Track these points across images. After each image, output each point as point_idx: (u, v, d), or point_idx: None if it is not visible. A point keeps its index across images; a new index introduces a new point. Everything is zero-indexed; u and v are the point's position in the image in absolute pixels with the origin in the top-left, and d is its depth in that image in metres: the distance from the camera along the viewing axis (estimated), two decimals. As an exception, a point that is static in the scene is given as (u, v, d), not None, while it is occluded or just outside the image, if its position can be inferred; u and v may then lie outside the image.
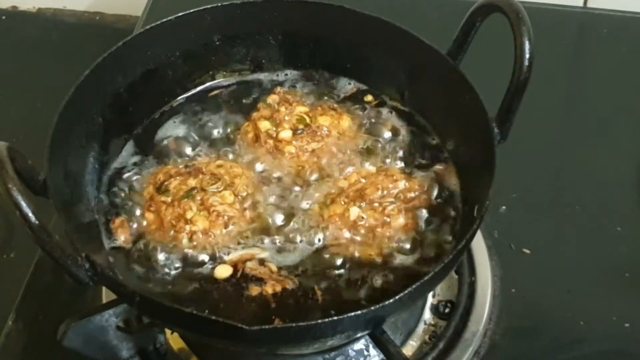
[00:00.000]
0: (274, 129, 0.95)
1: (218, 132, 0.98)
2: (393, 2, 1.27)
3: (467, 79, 0.88)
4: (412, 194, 0.89)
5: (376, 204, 0.87)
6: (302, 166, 0.93)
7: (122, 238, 0.87)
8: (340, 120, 0.96)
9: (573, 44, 1.37)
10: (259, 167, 0.94)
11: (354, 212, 0.87)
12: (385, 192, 0.88)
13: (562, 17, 1.38)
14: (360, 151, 0.96)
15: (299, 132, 0.94)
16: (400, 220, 0.87)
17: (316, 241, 0.87)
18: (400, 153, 0.95)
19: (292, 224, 0.89)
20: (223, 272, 0.84)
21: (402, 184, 0.89)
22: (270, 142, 0.94)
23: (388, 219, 0.87)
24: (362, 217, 0.87)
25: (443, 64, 0.91)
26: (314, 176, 0.93)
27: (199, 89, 1.03)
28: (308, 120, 0.95)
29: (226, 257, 0.85)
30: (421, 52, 0.93)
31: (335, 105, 1.00)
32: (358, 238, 0.87)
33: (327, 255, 0.86)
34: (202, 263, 0.85)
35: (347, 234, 0.87)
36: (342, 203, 0.88)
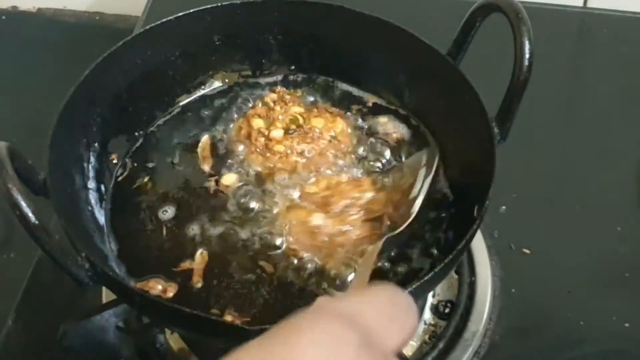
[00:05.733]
0: (266, 127, 0.94)
1: (217, 131, 0.98)
2: (393, 2, 1.27)
3: (467, 79, 0.88)
4: (379, 207, 0.86)
5: (341, 212, 0.86)
6: (282, 166, 0.92)
7: None
8: (335, 123, 0.95)
9: (573, 44, 1.37)
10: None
11: (317, 218, 0.86)
12: (351, 201, 0.87)
13: (562, 17, 1.37)
14: (352, 156, 0.95)
15: (291, 132, 0.94)
16: (364, 229, 0.85)
17: (277, 243, 0.87)
18: (396, 156, 0.95)
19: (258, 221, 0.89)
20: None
21: (368, 195, 0.87)
22: (262, 140, 0.94)
23: (350, 228, 0.85)
24: (325, 225, 0.85)
25: (443, 64, 0.91)
26: (286, 178, 0.91)
27: (199, 89, 1.03)
28: (301, 121, 0.95)
29: None
30: (421, 52, 0.93)
31: (332, 109, 0.99)
32: (319, 245, 0.85)
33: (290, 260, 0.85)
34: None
35: (308, 240, 0.85)
36: (305, 208, 0.87)
